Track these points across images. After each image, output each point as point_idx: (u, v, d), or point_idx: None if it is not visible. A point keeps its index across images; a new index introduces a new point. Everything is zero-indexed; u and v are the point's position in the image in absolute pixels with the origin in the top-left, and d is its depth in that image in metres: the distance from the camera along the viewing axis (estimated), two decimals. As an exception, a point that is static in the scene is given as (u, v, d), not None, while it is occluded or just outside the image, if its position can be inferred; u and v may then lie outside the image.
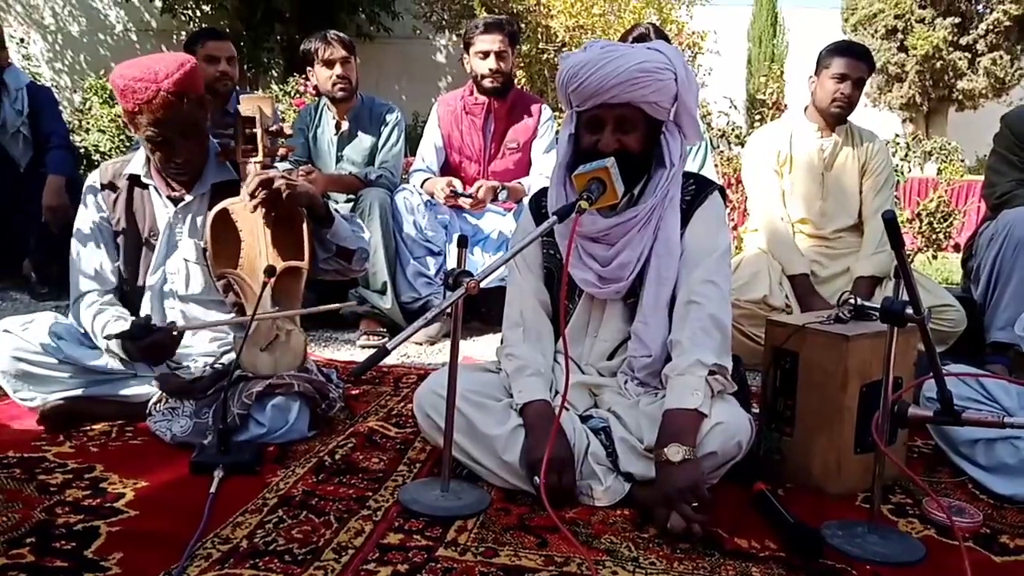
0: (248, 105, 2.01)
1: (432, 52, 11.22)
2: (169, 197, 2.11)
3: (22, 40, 10.10)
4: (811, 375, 1.81)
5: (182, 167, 2.04)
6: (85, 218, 2.13)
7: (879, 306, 1.54)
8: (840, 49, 3.00)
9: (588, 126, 1.76)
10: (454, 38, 10.15)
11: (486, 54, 3.34)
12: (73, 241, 2.14)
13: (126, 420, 2.10)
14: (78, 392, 2.08)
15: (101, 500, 1.65)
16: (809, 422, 1.82)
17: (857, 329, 1.78)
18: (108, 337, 1.98)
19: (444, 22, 9.96)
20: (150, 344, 1.90)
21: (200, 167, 2.09)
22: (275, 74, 9.57)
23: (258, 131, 1.98)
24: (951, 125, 12.72)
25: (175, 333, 1.95)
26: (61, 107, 4.42)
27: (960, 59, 11.95)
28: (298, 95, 6.15)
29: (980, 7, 12.13)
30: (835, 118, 3.03)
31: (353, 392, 2.45)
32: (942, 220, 5.17)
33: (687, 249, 1.78)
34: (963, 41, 11.98)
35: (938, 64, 12.00)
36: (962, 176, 6.67)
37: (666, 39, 2.99)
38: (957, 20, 11.90)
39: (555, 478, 1.63)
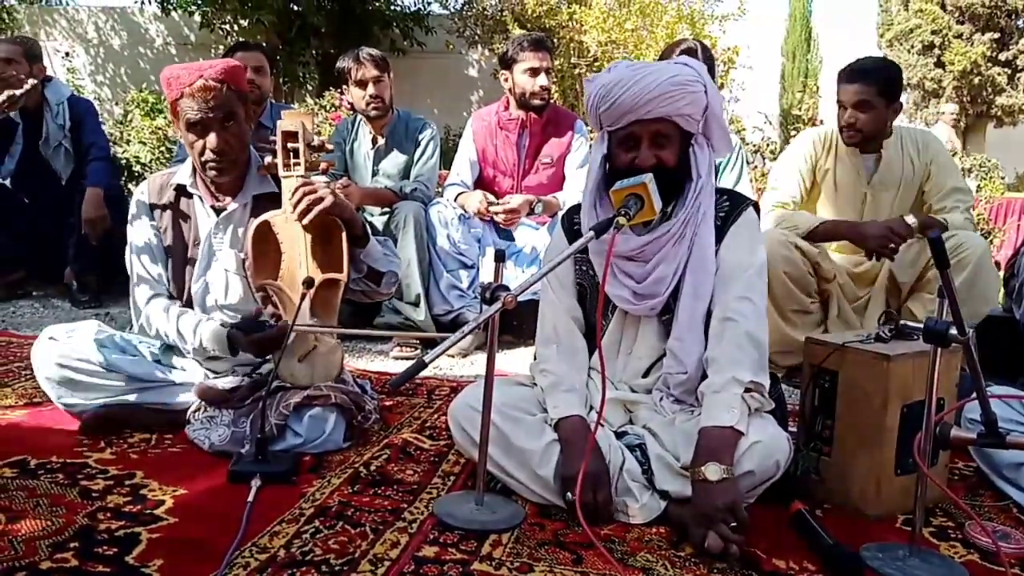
0: (291, 119, 2.05)
1: (465, 67, 11.31)
2: (212, 207, 2.15)
3: (67, 54, 10.38)
4: (851, 395, 1.79)
5: (219, 159, 2.05)
6: (139, 232, 2.18)
7: (922, 326, 1.52)
8: (840, 75, 2.87)
9: (623, 144, 1.76)
10: (486, 53, 10.23)
11: (536, 71, 3.36)
12: (130, 255, 2.19)
13: (166, 428, 2.13)
14: (119, 399, 2.11)
15: (141, 507, 1.67)
16: (848, 442, 1.80)
17: (898, 348, 1.76)
18: (224, 325, 2.04)
19: (477, 37, 10.05)
20: (262, 338, 1.97)
21: (239, 167, 2.12)
22: (310, 88, 9.71)
23: (300, 145, 2.02)
24: (989, 141, 12.53)
25: (285, 330, 1.98)
26: (102, 119, 4.51)
27: (999, 75, 11.80)
28: (334, 109, 6.23)
29: (1020, 22, 11.96)
30: (850, 145, 2.89)
31: (387, 403, 2.46)
32: (982, 238, 5.08)
33: (722, 265, 1.77)
34: (1002, 56, 11.82)
35: (976, 80, 11.84)
36: (1002, 193, 6.55)
37: (711, 56, 2.99)
38: (996, 35, 11.76)
39: (590, 494, 1.62)
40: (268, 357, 2.08)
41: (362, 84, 3.42)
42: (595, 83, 1.76)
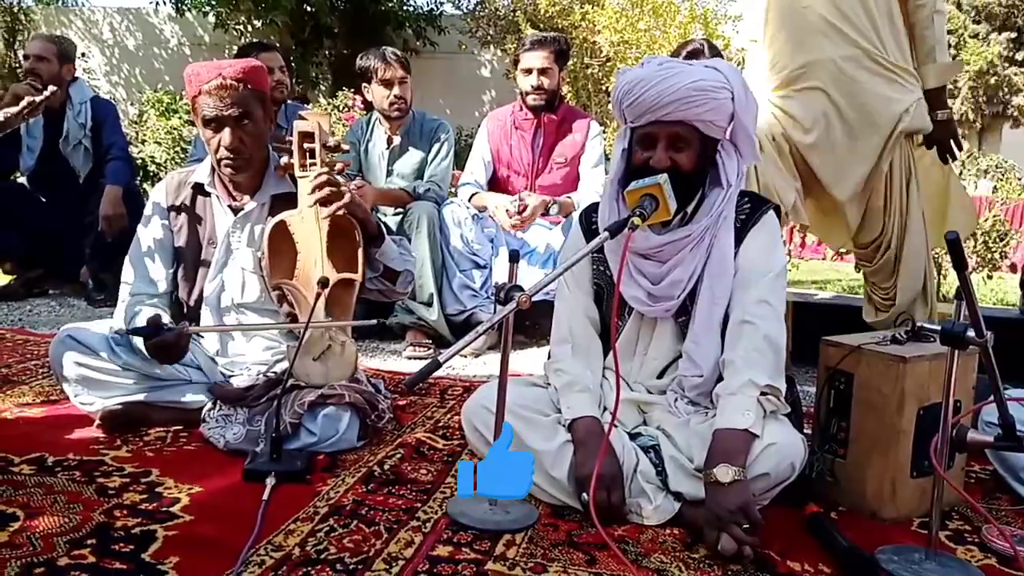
0: (308, 120, 2.05)
1: (477, 67, 11.32)
2: (230, 206, 2.16)
3: (83, 54, 10.46)
4: (866, 397, 1.78)
5: (233, 157, 2.06)
6: (148, 231, 2.20)
7: (939, 328, 1.51)
8: None
9: (641, 142, 1.75)
10: (499, 53, 10.24)
11: (529, 71, 3.40)
12: (131, 250, 2.21)
13: (181, 426, 2.15)
14: (136, 397, 2.13)
15: (157, 504, 1.68)
16: (864, 444, 1.79)
17: (914, 351, 1.75)
18: (117, 331, 2.03)
19: (489, 37, 10.06)
20: (158, 343, 1.96)
21: (255, 166, 2.13)
22: (323, 88, 9.75)
23: (317, 146, 2.02)
24: (1005, 142, 12.43)
25: (186, 333, 1.99)
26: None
27: (1016, 75, 11.71)
28: (347, 109, 6.26)
29: (1037, 22, 11.87)
30: None
31: (400, 403, 2.47)
32: (998, 240, 5.04)
33: (741, 269, 1.76)
34: (1019, 56, 11.74)
35: (992, 80, 11.77)
36: (1019, 195, 6.49)
37: (719, 55, 2.98)
38: (1013, 35, 11.68)
39: (604, 495, 1.62)
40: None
41: (388, 84, 3.45)
42: (623, 77, 1.75)
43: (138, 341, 2.02)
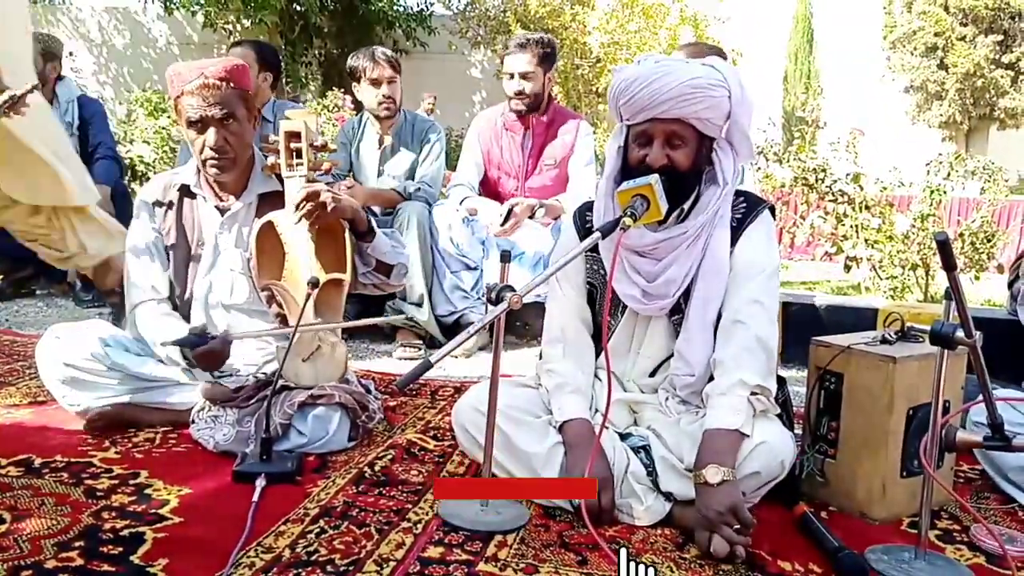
0: (294, 119, 2.04)
1: (467, 67, 11.32)
2: (217, 207, 2.15)
3: (71, 53, 10.40)
4: (856, 397, 1.78)
5: (218, 157, 2.05)
6: (138, 233, 2.19)
7: (928, 328, 1.52)
8: None
9: (637, 140, 1.74)
10: (489, 54, 10.25)
11: (511, 75, 3.39)
12: (127, 255, 2.20)
13: (170, 427, 2.14)
14: (124, 398, 2.12)
15: (146, 506, 1.67)
16: (854, 444, 1.79)
17: (904, 351, 1.76)
18: (164, 344, 2.02)
19: (479, 38, 10.07)
20: (205, 352, 1.95)
21: (240, 165, 2.12)
22: (313, 88, 9.73)
23: (303, 145, 2.01)
24: (992, 144, 12.54)
25: (229, 340, 1.99)
26: (106, 118, 4.51)
27: (1002, 77, 11.81)
28: (337, 109, 6.24)
29: None
30: None
31: (390, 404, 2.46)
32: (985, 240, 5.06)
33: (735, 268, 1.76)
34: (1005, 59, 11.83)
35: (979, 82, 11.86)
36: (1006, 196, 6.53)
37: (725, 58, 2.99)
38: (999, 38, 11.78)
39: (594, 500, 1.62)
40: (270, 360, 2.09)
41: (376, 83, 3.44)
42: (619, 75, 1.74)
43: (173, 350, 2.01)
